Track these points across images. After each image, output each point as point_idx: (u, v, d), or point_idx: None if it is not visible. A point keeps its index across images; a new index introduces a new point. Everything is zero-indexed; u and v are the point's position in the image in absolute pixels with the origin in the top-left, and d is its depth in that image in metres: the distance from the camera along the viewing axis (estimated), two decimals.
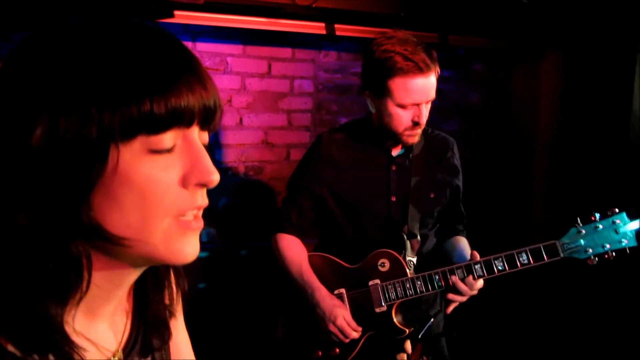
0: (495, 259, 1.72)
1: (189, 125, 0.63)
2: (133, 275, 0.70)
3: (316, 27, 2.65)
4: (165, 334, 0.78)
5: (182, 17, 2.43)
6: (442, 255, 1.93)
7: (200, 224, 0.66)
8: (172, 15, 2.41)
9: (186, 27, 2.68)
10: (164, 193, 0.62)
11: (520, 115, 3.47)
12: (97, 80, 0.58)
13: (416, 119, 1.75)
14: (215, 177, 0.64)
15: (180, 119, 0.61)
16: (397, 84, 1.70)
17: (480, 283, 1.74)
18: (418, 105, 1.73)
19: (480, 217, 2.62)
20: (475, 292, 1.75)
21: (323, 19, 2.59)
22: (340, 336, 1.79)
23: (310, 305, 1.85)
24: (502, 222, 3.31)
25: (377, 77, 1.75)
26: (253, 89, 2.89)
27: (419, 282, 1.79)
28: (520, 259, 1.69)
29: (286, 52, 2.92)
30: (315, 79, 3.00)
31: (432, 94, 1.75)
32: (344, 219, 1.91)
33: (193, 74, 0.62)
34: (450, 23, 2.81)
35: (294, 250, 1.93)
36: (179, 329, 0.87)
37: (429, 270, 1.80)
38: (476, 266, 1.73)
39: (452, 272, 1.76)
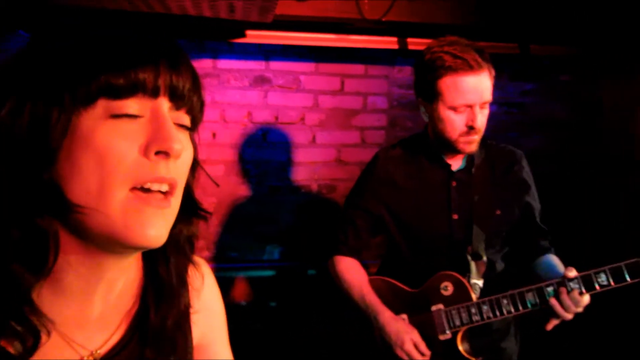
0: (595, 273, 1.54)
1: (154, 95, 0.64)
2: (107, 260, 0.67)
3: (388, 42, 2.59)
4: (165, 347, 0.73)
5: (254, 36, 2.46)
6: (532, 275, 1.74)
7: (166, 203, 0.65)
8: (244, 35, 2.45)
9: (260, 47, 2.72)
10: (121, 159, 0.61)
11: (611, 128, 3.21)
12: (64, 58, 0.63)
13: (470, 123, 1.63)
14: (175, 145, 0.63)
15: (141, 88, 0.63)
16: (447, 84, 1.61)
17: (586, 299, 1.55)
18: (471, 107, 1.62)
19: (567, 237, 2.43)
20: (580, 309, 1.56)
21: (394, 32, 2.53)
22: None
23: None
24: (591, 243, 3.06)
25: (427, 80, 1.67)
26: (326, 107, 2.87)
27: (485, 307, 1.65)
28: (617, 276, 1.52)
29: (359, 68, 2.88)
30: (389, 95, 2.94)
31: (487, 96, 1.63)
32: (403, 239, 1.81)
33: (165, 57, 0.65)
34: (532, 32, 2.66)
35: (353, 273, 1.84)
36: (217, 350, 0.83)
37: (498, 294, 1.66)
38: (571, 283, 1.55)
39: (522, 296, 1.61)
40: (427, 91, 1.69)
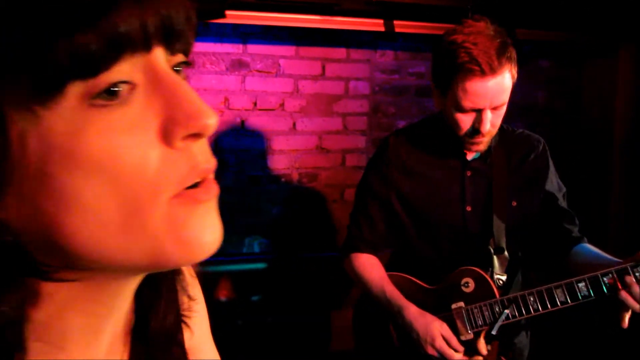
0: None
1: (146, 48, 0.41)
2: (126, 285, 0.49)
3: (373, 24, 2.49)
4: (176, 352, 0.60)
5: (233, 17, 2.32)
6: (568, 268, 1.59)
7: (213, 191, 0.45)
8: (223, 16, 2.30)
9: (236, 28, 2.58)
10: (140, 165, 0.40)
11: (592, 114, 3.21)
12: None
13: (477, 126, 1.53)
14: (209, 120, 0.42)
15: (127, 44, 0.39)
16: (457, 83, 1.50)
17: None
18: (480, 110, 1.52)
19: None
20: None
21: (381, 14, 2.43)
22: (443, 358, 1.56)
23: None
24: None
25: (441, 69, 1.56)
26: (306, 92, 2.75)
27: (510, 305, 1.55)
28: None
29: (341, 52, 2.78)
30: (372, 80, 2.85)
31: (500, 99, 1.50)
32: (415, 231, 1.71)
33: None
34: (519, 16, 2.61)
35: (371, 269, 1.72)
36: (206, 349, 0.70)
37: (523, 290, 1.55)
38: (605, 278, 1.41)
39: (551, 292, 1.50)
40: (440, 81, 1.57)
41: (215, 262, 2.66)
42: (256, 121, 2.71)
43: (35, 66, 0.36)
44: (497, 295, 1.59)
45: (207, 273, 2.59)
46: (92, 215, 0.40)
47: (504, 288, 1.64)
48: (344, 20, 2.47)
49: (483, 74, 1.45)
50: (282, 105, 2.73)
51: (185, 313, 0.61)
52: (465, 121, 1.54)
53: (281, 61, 2.70)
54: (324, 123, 2.80)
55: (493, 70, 1.46)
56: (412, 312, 1.61)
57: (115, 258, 0.42)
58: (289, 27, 2.52)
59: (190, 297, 0.62)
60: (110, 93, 0.39)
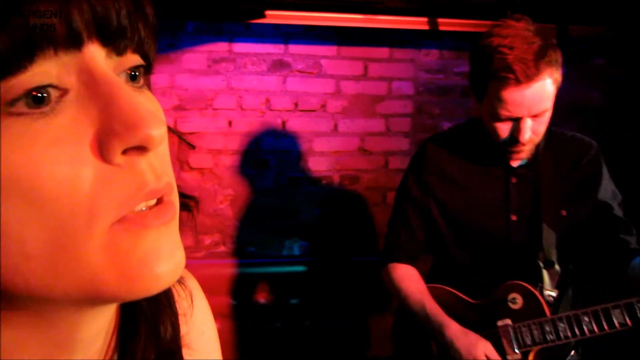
0: None
1: (75, 45, 0.34)
2: (84, 317, 0.41)
3: (417, 22, 2.42)
4: None
5: (273, 17, 2.30)
6: (626, 285, 1.49)
7: (168, 213, 0.38)
8: (263, 16, 2.28)
9: (278, 28, 2.55)
10: (69, 186, 0.33)
11: None
12: None
13: (515, 135, 1.42)
14: (153, 131, 0.35)
15: (45, 39, 0.33)
16: (493, 90, 1.40)
17: None
18: (518, 119, 1.41)
19: None
20: None
21: (425, 12, 2.36)
22: None
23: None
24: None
25: (476, 77, 1.47)
26: (348, 93, 2.70)
27: (562, 325, 1.42)
28: None
29: (383, 51, 2.71)
30: (415, 80, 2.77)
31: (540, 107, 1.38)
32: (454, 241, 1.61)
33: None
34: (572, 11, 2.48)
35: (410, 281, 1.64)
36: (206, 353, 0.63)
37: (577, 309, 1.44)
38: None
39: (608, 312, 1.37)
40: (475, 86, 1.48)
41: (255, 264, 2.65)
42: (297, 122, 2.68)
43: None
44: (548, 314, 1.48)
45: (246, 275, 2.57)
46: (15, 245, 0.33)
47: (555, 305, 1.53)
48: (386, 18, 2.41)
49: (518, 82, 1.35)
50: (323, 106, 2.69)
51: (184, 338, 0.54)
52: (503, 129, 1.44)
53: (323, 61, 2.66)
54: (366, 124, 2.74)
55: (529, 78, 1.34)
56: (454, 330, 1.51)
57: (47, 293, 0.35)
58: (330, 26, 2.48)
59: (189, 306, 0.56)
60: (35, 100, 0.33)
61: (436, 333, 1.54)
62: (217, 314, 2.62)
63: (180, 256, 0.39)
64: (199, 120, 2.58)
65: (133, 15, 0.37)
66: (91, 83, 0.35)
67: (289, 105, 2.66)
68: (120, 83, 0.36)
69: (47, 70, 0.33)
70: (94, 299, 0.37)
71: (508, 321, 1.50)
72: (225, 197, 2.66)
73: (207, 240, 2.67)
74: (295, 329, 2.60)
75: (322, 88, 2.67)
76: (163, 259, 0.37)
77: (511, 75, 1.34)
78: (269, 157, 2.68)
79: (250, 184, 2.68)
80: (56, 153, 0.33)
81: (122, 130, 0.34)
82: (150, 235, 0.37)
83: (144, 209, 0.37)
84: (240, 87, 2.60)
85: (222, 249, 2.69)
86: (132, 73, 0.40)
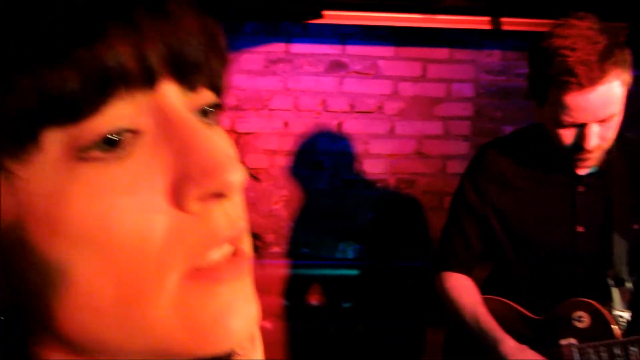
0: None
1: (148, 85, 0.32)
2: None
3: (479, 22, 2.35)
4: None
5: (330, 17, 2.29)
6: None
7: (242, 267, 0.36)
8: (320, 16, 2.27)
9: (336, 29, 2.54)
10: (142, 236, 0.31)
11: None
12: None
13: (579, 142, 1.33)
14: (233, 176, 0.32)
15: (118, 81, 0.30)
16: (554, 95, 1.31)
17: None
18: (583, 125, 1.31)
19: None
20: None
21: (488, 11, 2.28)
22: None
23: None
24: None
25: (536, 81, 1.37)
26: (406, 94, 2.65)
27: (633, 349, 1.31)
28: None
29: (443, 52, 2.64)
30: (476, 81, 2.68)
31: (607, 111, 1.28)
32: (514, 252, 1.53)
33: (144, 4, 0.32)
34: None
35: (464, 292, 1.56)
36: None
37: None
38: None
39: None
40: (535, 90, 1.39)
41: (308, 265, 2.64)
42: (353, 124, 2.65)
43: (4, 111, 0.29)
44: (619, 335, 1.37)
45: (299, 276, 2.57)
46: (85, 297, 0.32)
47: (626, 327, 1.43)
48: (446, 18, 2.35)
49: (581, 86, 1.25)
50: (380, 107, 2.65)
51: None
52: (567, 136, 1.34)
53: (380, 62, 2.62)
54: (424, 127, 2.68)
55: (593, 81, 1.25)
56: (510, 346, 1.41)
57: (116, 349, 0.34)
58: (388, 26, 2.44)
59: None
60: (109, 143, 0.31)
61: (490, 348, 1.45)
62: (269, 314, 2.63)
63: (254, 311, 0.36)
64: (255, 120, 2.60)
65: (207, 48, 0.35)
66: (166, 124, 0.33)
67: (345, 106, 2.64)
68: (195, 124, 0.34)
69: (121, 111, 0.31)
70: (165, 356, 0.35)
71: (573, 341, 1.40)
72: (280, 197, 2.67)
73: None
74: (347, 332, 2.58)
75: (379, 89, 2.63)
76: (236, 315, 0.35)
77: (573, 79, 1.25)
78: (324, 159, 2.66)
79: (305, 185, 2.67)
80: (130, 200, 0.31)
81: (200, 177, 0.32)
82: (224, 290, 0.34)
83: (216, 257, 0.34)
84: (296, 87, 2.60)
85: (276, 249, 2.69)
86: (208, 109, 0.37)
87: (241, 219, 0.36)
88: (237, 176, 0.32)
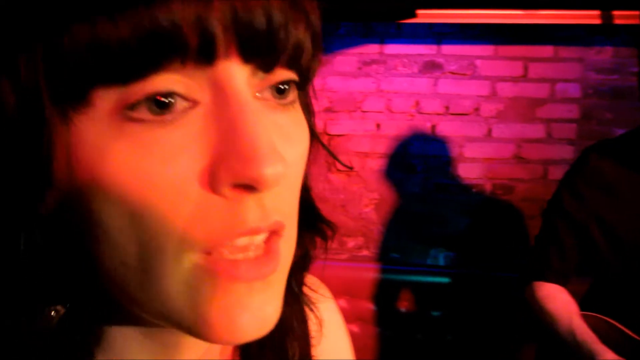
0: None
1: (207, 59, 0.30)
2: (182, 340, 0.41)
3: (588, 17, 2.18)
4: None
5: (425, 16, 2.23)
6: None
7: (268, 266, 0.34)
8: (414, 15, 2.22)
9: (431, 28, 2.47)
10: (173, 204, 0.31)
11: None
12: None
13: None
14: (268, 170, 0.30)
15: (173, 48, 0.29)
16: None
17: None
18: None
19: None
20: None
21: (597, 4, 2.11)
22: None
23: None
24: None
25: None
26: (505, 95, 2.52)
27: None
28: None
29: (547, 50, 2.48)
30: (584, 81, 2.49)
31: None
32: (620, 267, 1.40)
33: None
34: None
35: (558, 301, 1.45)
36: None
37: None
38: None
39: None
40: None
41: (398, 271, 2.58)
42: (447, 126, 2.56)
43: (45, 59, 0.29)
44: None
45: (388, 281, 2.52)
46: (114, 249, 0.32)
47: None
48: (551, 13, 2.21)
49: None
50: (476, 109, 2.54)
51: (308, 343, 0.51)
52: None
53: (477, 62, 2.51)
54: (524, 130, 2.53)
55: None
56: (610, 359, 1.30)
57: (139, 309, 0.35)
58: (487, 24, 2.34)
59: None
60: (159, 105, 0.30)
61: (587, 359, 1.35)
62: (356, 318, 2.59)
63: (271, 311, 0.34)
64: (348, 122, 2.59)
65: (290, 21, 0.32)
66: (221, 102, 0.32)
67: (439, 108, 2.56)
68: (251, 109, 0.32)
69: (173, 78, 0.30)
70: (178, 329, 0.35)
71: None
72: (371, 200, 2.64)
73: (351, 243, 2.67)
74: (435, 341, 2.49)
75: (475, 90, 2.53)
76: (247, 312, 0.33)
77: None
78: (417, 162, 2.59)
79: (397, 188, 2.62)
80: (167, 168, 0.31)
81: (235, 164, 0.31)
82: (239, 289, 0.33)
83: (238, 256, 0.33)
84: (389, 89, 2.56)
85: (365, 252, 2.66)
86: (281, 87, 0.35)
87: (278, 213, 0.34)
88: (273, 170, 0.30)
